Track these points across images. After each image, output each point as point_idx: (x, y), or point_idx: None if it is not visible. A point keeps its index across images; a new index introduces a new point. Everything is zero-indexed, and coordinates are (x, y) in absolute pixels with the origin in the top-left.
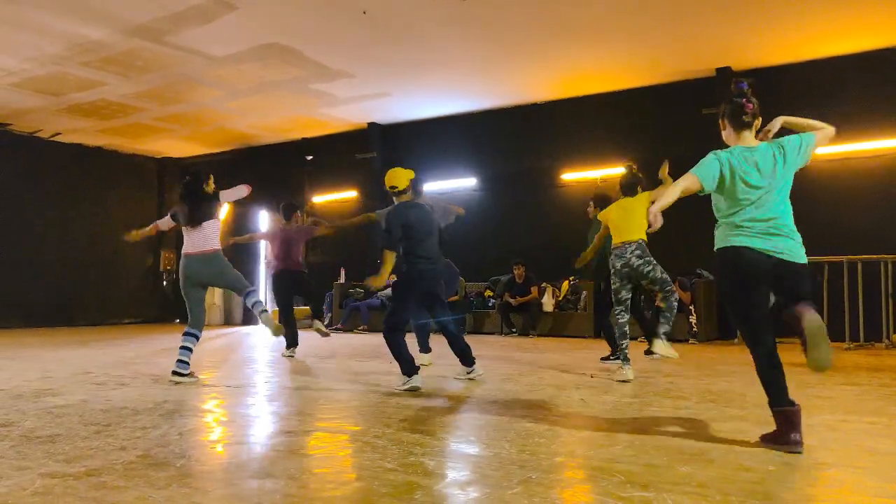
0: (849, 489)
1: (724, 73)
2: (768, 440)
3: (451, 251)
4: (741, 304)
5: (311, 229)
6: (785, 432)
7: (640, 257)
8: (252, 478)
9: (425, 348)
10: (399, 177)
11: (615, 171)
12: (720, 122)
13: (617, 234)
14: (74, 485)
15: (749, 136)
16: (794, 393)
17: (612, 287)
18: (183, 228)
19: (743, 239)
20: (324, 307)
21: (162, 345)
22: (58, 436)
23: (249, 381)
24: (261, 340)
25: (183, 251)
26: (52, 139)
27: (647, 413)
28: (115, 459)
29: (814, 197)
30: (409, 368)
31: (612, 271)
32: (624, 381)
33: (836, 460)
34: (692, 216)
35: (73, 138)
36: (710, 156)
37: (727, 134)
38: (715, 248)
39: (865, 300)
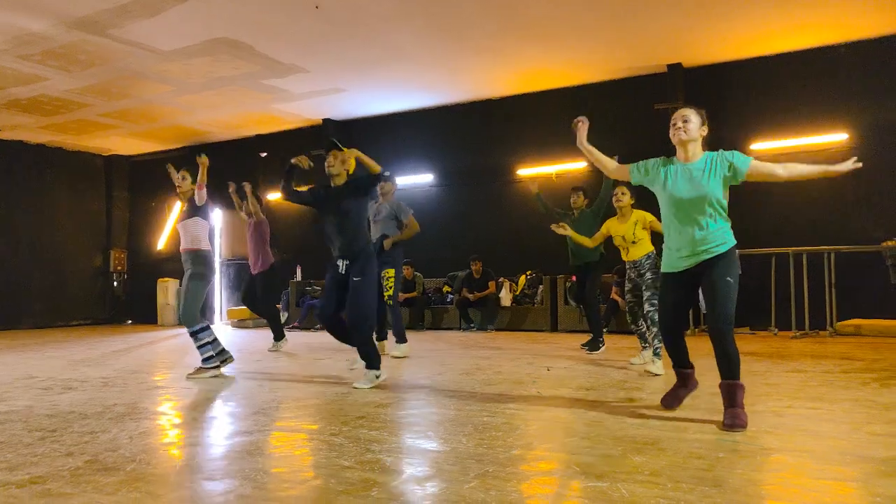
0: (793, 472)
1: (675, 69)
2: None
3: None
4: None
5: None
6: None
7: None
8: (206, 480)
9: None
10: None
11: (569, 166)
12: (706, 128)
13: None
14: (17, 493)
15: None
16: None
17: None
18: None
19: None
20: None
21: (112, 347)
22: (0, 443)
23: (205, 381)
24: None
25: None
26: None
27: (602, 405)
28: (61, 466)
29: (761, 191)
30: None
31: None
32: (655, 374)
33: (782, 445)
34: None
35: (13, 135)
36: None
37: (701, 135)
38: (734, 244)
39: (811, 290)
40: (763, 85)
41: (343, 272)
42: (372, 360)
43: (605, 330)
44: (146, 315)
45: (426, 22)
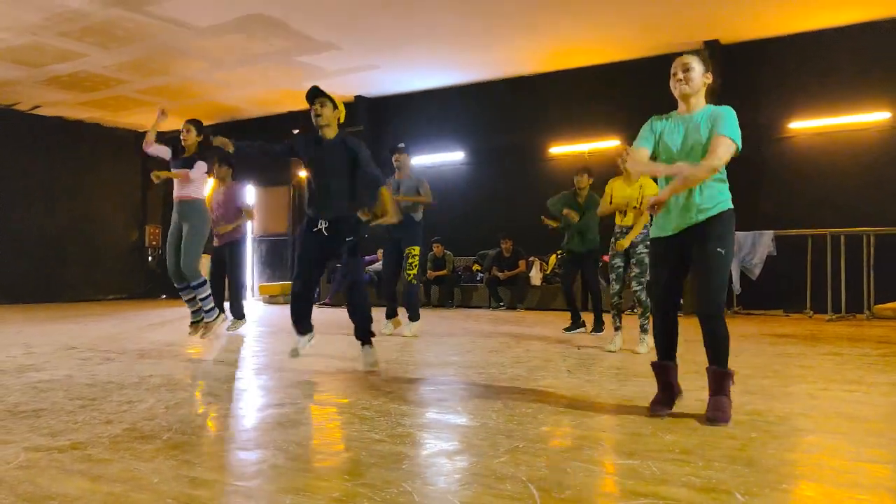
0: (828, 454)
1: (713, 45)
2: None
3: (439, 225)
4: None
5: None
6: None
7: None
8: (240, 449)
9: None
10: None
11: (603, 144)
12: (710, 74)
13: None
14: (59, 458)
15: None
16: (776, 363)
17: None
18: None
19: None
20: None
21: (148, 320)
22: (42, 410)
23: (237, 354)
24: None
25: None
26: (31, 112)
27: (632, 383)
28: (100, 433)
29: (798, 170)
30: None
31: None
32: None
33: (816, 427)
34: None
35: (54, 111)
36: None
37: (704, 92)
38: (729, 207)
39: (848, 272)
40: (802, 62)
41: (326, 235)
42: (366, 334)
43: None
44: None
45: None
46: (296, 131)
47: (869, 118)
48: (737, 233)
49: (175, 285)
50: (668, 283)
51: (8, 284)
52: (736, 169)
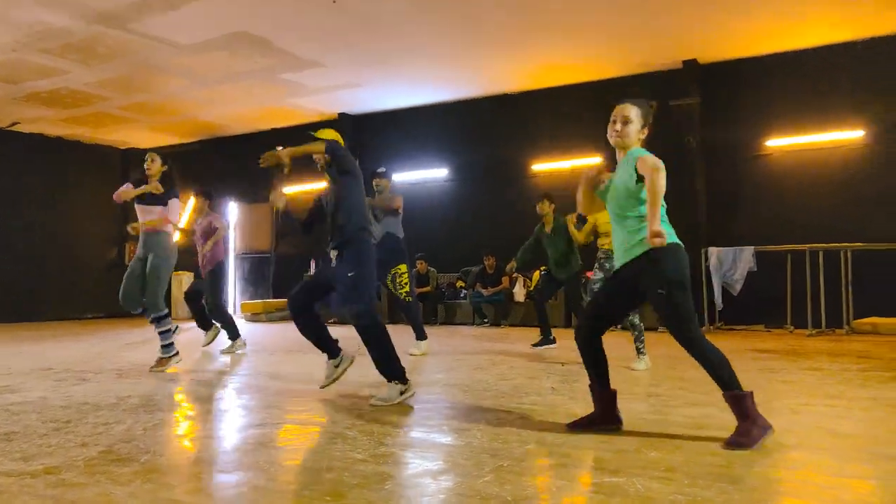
0: (812, 470)
1: (691, 64)
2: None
3: (423, 242)
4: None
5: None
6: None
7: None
8: (220, 471)
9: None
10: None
11: (584, 161)
12: (649, 126)
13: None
14: (32, 483)
15: None
16: (759, 378)
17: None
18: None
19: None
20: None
21: (127, 339)
22: (14, 433)
23: (217, 374)
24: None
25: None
26: (9, 129)
27: (619, 400)
28: (75, 456)
29: (776, 187)
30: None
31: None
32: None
33: (799, 442)
34: None
35: (33, 128)
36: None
37: (640, 139)
38: (672, 241)
39: (827, 287)
40: (779, 81)
41: (334, 266)
42: (392, 368)
43: (619, 327)
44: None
45: (442, 17)
46: (279, 147)
47: (843, 136)
48: (718, 249)
49: (126, 309)
50: (599, 309)
51: None
52: (715, 186)
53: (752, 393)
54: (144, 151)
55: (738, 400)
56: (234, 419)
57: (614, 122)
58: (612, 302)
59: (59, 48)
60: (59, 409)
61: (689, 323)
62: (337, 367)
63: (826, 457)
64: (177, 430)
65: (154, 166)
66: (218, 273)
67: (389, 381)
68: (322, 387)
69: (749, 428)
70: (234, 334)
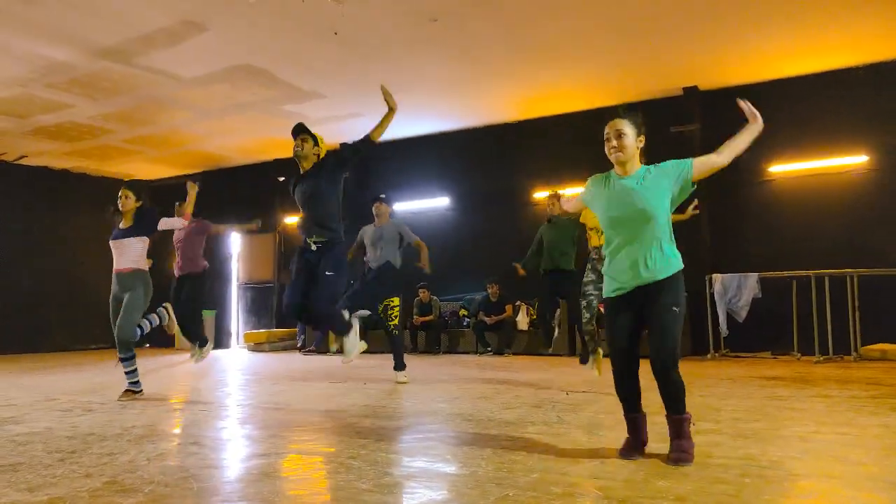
0: (823, 499)
1: (691, 91)
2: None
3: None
4: None
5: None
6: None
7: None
8: (223, 502)
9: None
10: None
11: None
12: (642, 137)
13: (597, 238)
14: None
15: None
16: (767, 406)
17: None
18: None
19: None
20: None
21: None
22: (20, 464)
23: (220, 403)
24: (231, 363)
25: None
26: (16, 162)
27: (623, 428)
28: (80, 487)
29: (780, 213)
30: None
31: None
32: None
33: (810, 471)
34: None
35: (40, 161)
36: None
37: (638, 155)
38: (679, 269)
39: (834, 314)
40: (780, 107)
41: (314, 252)
42: (343, 328)
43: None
44: (163, 338)
45: (442, 48)
46: (281, 178)
47: (847, 161)
48: (722, 275)
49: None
50: (628, 344)
51: None
52: (718, 212)
53: (690, 416)
54: (149, 183)
55: (685, 423)
56: (237, 449)
57: (608, 139)
58: (632, 336)
59: (65, 83)
60: (64, 439)
61: (678, 345)
62: (355, 335)
63: (838, 486)
64: (180, 460)
65: (128, 203)
66: (202, 282)
67: (341, 335)
68: (343, 361)
69: (688, 446)
70: (202, 341)
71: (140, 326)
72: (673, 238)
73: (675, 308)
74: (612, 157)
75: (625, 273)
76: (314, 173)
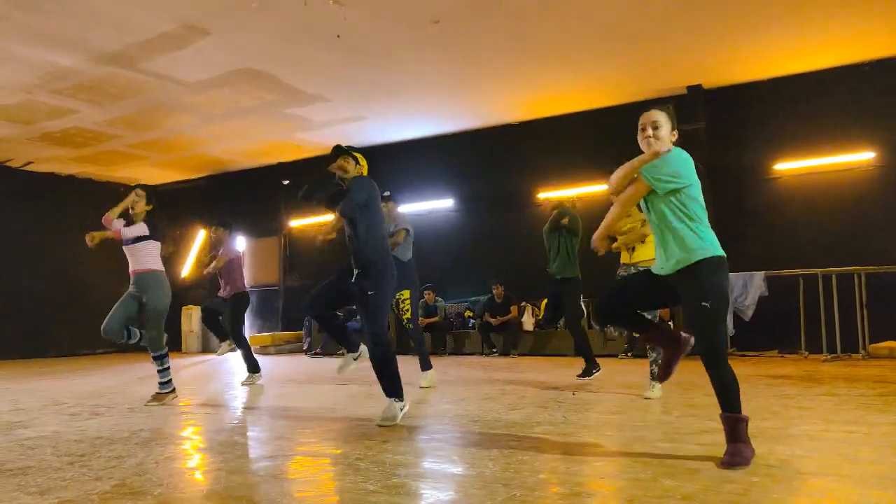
0: (832, 498)
1: (696, 90)
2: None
3: (430, 272)
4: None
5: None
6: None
7: None
8: None
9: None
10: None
11: (590, 189)
12: (675, 132)
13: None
14: None
15: None
16: (775, 405)
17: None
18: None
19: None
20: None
21: (138, 373)
22: (30, 468)
23: (228, 406)
24: (238, 366)
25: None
26: (23, 168)
27: (629, 428)
28: (89, 490)
29: (786, 211)
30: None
31: None
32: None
33: (818, 469)
34: None
35: (46, 167)
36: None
37: (671, 140)
38: (717, 254)
39: (841, 312)
40: (785, 105)
41: (354, 282)
42: (395, 387)
43: (629, 354)
44: (170, 342)
45: (445, 50)
46: (286, 182)
47: (853, 158)
48: (728, 274)
49: (107, 338)
50: (623, 296)
51: None
52: (724, 211)
53: (748, 418)
54: (154, 187)
55: (738, 422)
56: (245, 451)
57: (644, 129)
58: (641, 290)
59: (70, 89)
60: (73, 443)
61: (719, 340)
62: (355, 359)
63: (847, 484)
64: (189, 462)
65: (139, 205)
66: (238, 303)
67: (390, 396)
68: (338, 371)
69: (742, 449)
70: (253, 367)
71: (128, 330)
72: (702, 219)
73: (704, 304)
74: (645, 147)
75: (660, 259)
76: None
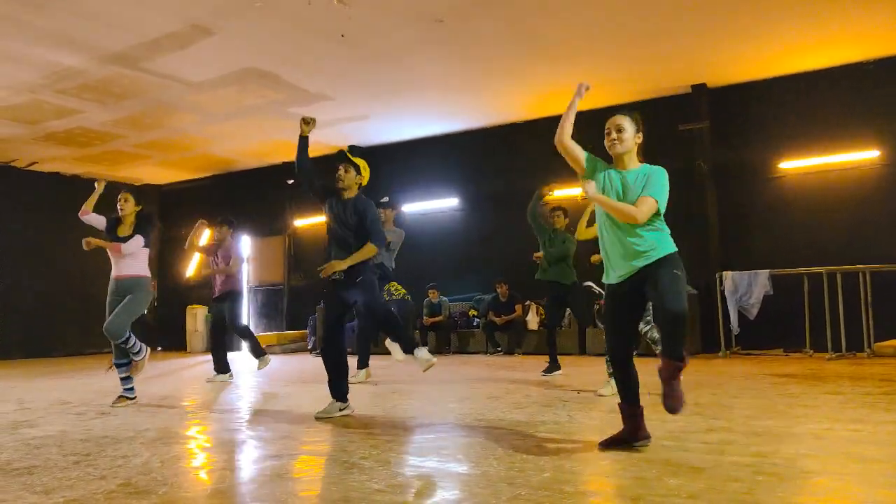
0: (837, 497)
1: (700, 89)
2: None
3: (435, 271)
4: None
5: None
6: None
7: None
8: (237, 503)
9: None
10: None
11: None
12: (640, 135)
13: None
14: None
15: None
16: (779, 403)
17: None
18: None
19: None
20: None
21: (143, 373)
22: (35, 467)
23: (233, 406)
24: (242, 365)
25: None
26: (28, 168)
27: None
28: (95, 489)
29: (791, 210)
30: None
31: None
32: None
33: (824, 468)
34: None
35: (51, 167)
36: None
37: (638, 148)
38: (673, 251)
39: (846, 310)
40: (790, 103)
41: (340, 289)
42: (408, 343)
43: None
44: (175, 341)
45: (449, 48)
46: (290, 181)
47: (858, 156)
48: (733, 273)
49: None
50: (622, 331)
51: (1, 340)
52: (728, 209)
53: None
54: (158, 187)
55: (680, 370)
56: (250, 451)
57: (609, 133)
58: (623, 317)
59: (75, 88)
60: (79, 442)
61: (686, 297)
62: (341, 410)
63: (852, 482)
64: (194, 462)
65: (127, 206)
66: (236, 300)
67: (407, 352)
68: (317, 417)
69: (679, 388)
70: (258, 352)
71: (129, 339)
72: (664, 228)
73: (675, 272)
74: (611, 150)
75: (616, 258)
76: (354, 211)
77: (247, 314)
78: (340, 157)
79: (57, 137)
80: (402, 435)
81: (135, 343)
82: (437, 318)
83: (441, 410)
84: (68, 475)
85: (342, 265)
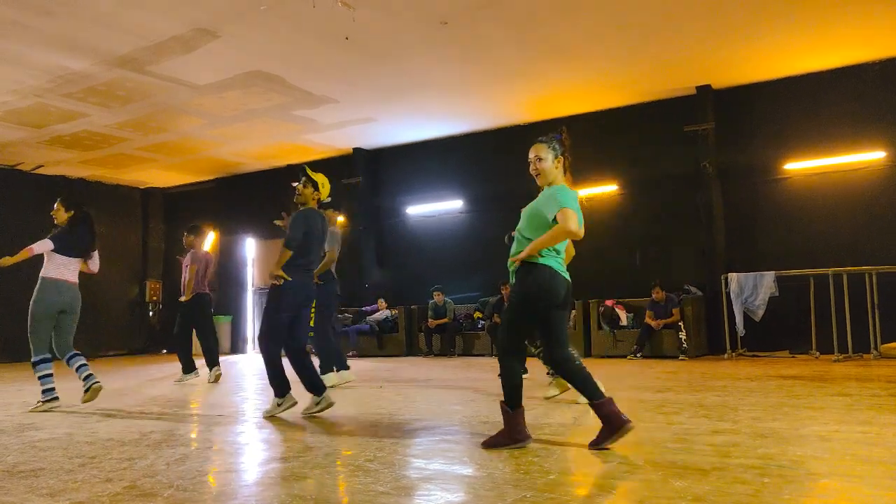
0: (844, 499)
1: (705, 90)
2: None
3: (440, 273)
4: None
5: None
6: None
7: None
8: None
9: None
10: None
11: (599, 189)
12: (562, 161)
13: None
14: None
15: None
16: (786, 405)
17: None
18: (67, 258)
19: (558, 265)
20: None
21: (149, 375)
22: (41, 470)
23: (238, 409)
24: (247, 368)
25: (65, 278)
26: (34, 172)
27: (640, 429)
28: (100, 492)
29: (796, 211)
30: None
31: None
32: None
33: (830, 470)
34: (673, 233)
35: (56, 170)
36: (571, 193)
37: (558, 174)
38: (536, 262)
39: (852, 312)
40: (795, 105)
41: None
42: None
43: (639, 355)
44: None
45: (453, 51)
46: (294, 184)
47: (864, 157)
48: (738, 274)
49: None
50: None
51: (8, 342)
52: (734, 211)
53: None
54: (164, 190)
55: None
56: (255, 453)
57: (531, 163)
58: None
59: (81, 92)
60: (85, 444)
61: (505, 336)
62: (317, 404)
63: (859, 484)
64: (199, 464)
65: (59, 215)
66: (204, 302)
67: (313, 393)
68: (303, 414)
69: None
70: (213, 362)
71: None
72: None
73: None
74: (535, 178)
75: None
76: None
77: (250, 316)
78: (301, 173)
79: (63, 141)
80: (406, 437)
81: (38, 363)
82: (441, 321)
83: (446, 412)
84: (74, 477)
85: (275, 270)
